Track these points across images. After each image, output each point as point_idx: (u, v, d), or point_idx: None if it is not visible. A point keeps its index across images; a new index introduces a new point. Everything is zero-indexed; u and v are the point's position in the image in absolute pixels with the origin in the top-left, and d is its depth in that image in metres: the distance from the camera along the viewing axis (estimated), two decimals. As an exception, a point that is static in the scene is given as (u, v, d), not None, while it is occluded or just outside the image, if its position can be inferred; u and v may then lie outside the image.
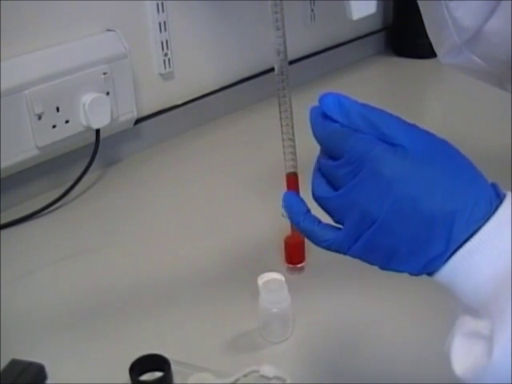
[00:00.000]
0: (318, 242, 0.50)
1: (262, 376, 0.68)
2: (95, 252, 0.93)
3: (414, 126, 0.48)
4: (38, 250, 0.94)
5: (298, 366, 0.71)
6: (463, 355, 0.46)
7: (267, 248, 0.91)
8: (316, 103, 0.49)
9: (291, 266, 0.86)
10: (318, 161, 0.51)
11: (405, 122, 0.48)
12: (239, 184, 1.10)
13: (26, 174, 1.05)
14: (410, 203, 0.45)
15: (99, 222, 1.01)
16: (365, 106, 0.48)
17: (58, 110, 1.03)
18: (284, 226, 0.83)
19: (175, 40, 1.24)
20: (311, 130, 0.49)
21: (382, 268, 0.49)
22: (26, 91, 0.99)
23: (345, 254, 0.49)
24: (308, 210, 0.52)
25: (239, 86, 1.39)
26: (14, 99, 0.98)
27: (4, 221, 1.00)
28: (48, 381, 0.54)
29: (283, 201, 0.53)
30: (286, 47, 0.73)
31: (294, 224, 0.52)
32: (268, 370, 0.68)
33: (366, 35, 1.71)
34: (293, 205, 0.52)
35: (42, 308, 0.82)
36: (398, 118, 0.48)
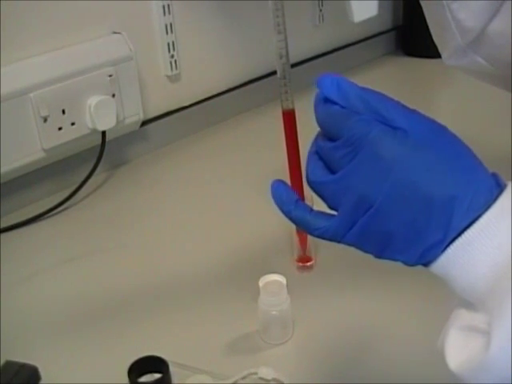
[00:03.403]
0: (311, 231, 0.49)
1: (260, 378, 0.68)
2: (99, 254, 0.93)
3: (414, 111, 0.47)
4: (43, 252, 0.95)
5: (297, 369, 0.71)
6: (458, 349, 0.45)
7: (276, 248, 0.91)
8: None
9: (300, 264, 0.86)
10: (315, 143, 0.49)
11: (404, 106, 0.47)
12: (246, 185, 1.10)
13: (32, 176, 1.06)
14: (409, 187, 0.44)
15: (105, 225, 1.01)
16: (364, 88, 0.47)
17: (63, 112, 1.04)
18: (294, 226, 0.83)
19: (182, 42, 1.24)
20: (314, 113, 0.49)
21: (377, 256, 0.47)
22: (32, 94, 0.99)
23: (339, 241, 0.48)
24: (298, 198, 0.50)
25: (246, 88, 1.39)
26: (19, 102, 0.98)
27: (9, 223, 1.00)
28: (42, 382, 0.54)
29: (271, 190, 0.51)
30: (287, 51, 0.73)
31: (285, 213, 0.51)
32: (266, 372, 0.68)
33: (375, 35, 1.70)
34: (282, 194, 0.51)
35: (43, 310, 0.82)
36: (397, 102, 0.47)
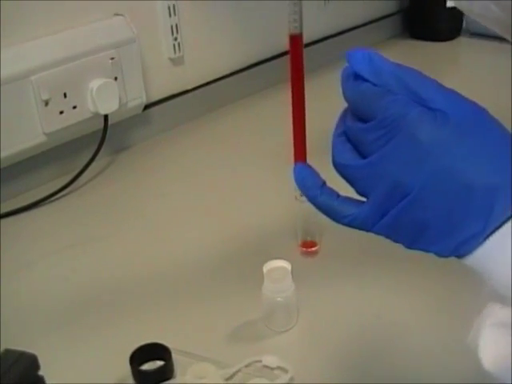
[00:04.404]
0: (338, 219, 0.46)
1: (264, 366, 0.67)
2: (101, 240, 0.92)
3: (452, 91, 0.43)
4: (45, 238, 0.94)
5: (302, 357, 0.69)
6: (493, 347, 0.43)
7: (279, 233, 0.90)
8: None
9: (304, 249, 0.85)
10: (343, 124, 0.46)
11: (442, 86, 0.43)
12: (250, 170, 1.09)
13: (33, 160, 1.04)
14: (448, 175, 0.40)
15: (107, 210, 1.00)
16: (398, 65, 0.44)
17: (65, 95, 1.02)
18: (298, 211, 0.83)
19: (185, 24, 1.22)
20: (341, 90, 0.45)
21: (408, 247, 0.44)
22: (33, 77, 0.98)
23: (368, 230, 0.44)
24: (324, 183, 0.47)
25: (251, 71, 1.37)
26: (20, 85, 0.97)
27: (11, 208, 0.99)
28: (41, 370, 0.53)
29: (294, 174, 0.47)
30: None
31: (310, 199, 0.47)
32: (270, 360, 0.66)
33: (381, 18, 1.68)
34: (306, 178, 0.47)
35: (43, 297, 0.81)
36: (435, 81, 0.43)
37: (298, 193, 0.81)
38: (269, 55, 1.39)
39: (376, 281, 0.80)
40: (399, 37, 1.72)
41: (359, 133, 0.43)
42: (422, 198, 0.41)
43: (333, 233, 0.86)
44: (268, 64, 1.39)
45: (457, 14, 1.65)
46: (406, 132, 0.41)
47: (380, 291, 0.78)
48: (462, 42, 1.66)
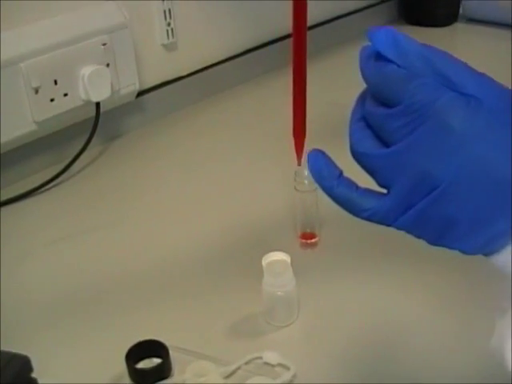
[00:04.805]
0: (356, 212, 0.43)
1: (265, 363, 0.65)
2: (94, 231, 0.90)
3: (484, 75, 0.40)
4: (37, 228, 0.91)
5: (303, 352, 0.68)
6: None
7: (277, 224, 0.88)
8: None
9: (304, 241, 0.83)
10: (361, 108, 0.43)
11: (473, 69, 0.40)
12: (246, 158, 1.07)
13: (24, 150, 1.02)
14: (481, 166, 0.38)
15: (100, 200, 0.98)
16: (425, 45, 0.41)
17: (55, 82, 1.00)
18: (297, 202, 0.81)
19: (178, 9, 1.20)
20: (360, 71, 0.42)
21: (432, 244, 0.42)
22: (22, 64, 0.95)
23: (389, 225, 0.42)
24: (341, 173, 0.44)
25: (246, 57, 1.34)
26: (9, 72, 0.94)
27: (2, 198, 0.97)
28: (34, 367, 0.51)
29: (309, 162, 0.44)
30: None
31: (325, 190, 0.44)
32: (271, 356, 0.65)
33: (377, 3, 1.65)
34: (322, 167, 0.44)
35: (34, 292, 0.79)
36: (465, 64, 0.41)
37: (297, 182, 0.78)
38: (265, 40, 1.36)
39: (377, 273, 0.78)
40: (395, 22, 1.69)
41: (382, 119, 0.40)
42: (452, 192, 0.39)
43: (332, 224, 0.84)
44: (264, 49, 1.35)
45: (453, 0, 1.63)
46: (436, 119, 0.38)
47: (382, 283, 0.76)
48: (459, 27, 1.64)
